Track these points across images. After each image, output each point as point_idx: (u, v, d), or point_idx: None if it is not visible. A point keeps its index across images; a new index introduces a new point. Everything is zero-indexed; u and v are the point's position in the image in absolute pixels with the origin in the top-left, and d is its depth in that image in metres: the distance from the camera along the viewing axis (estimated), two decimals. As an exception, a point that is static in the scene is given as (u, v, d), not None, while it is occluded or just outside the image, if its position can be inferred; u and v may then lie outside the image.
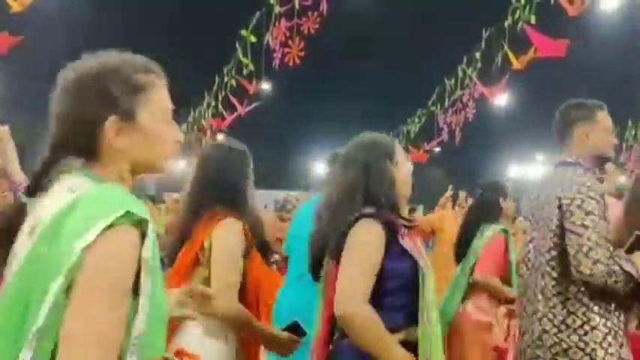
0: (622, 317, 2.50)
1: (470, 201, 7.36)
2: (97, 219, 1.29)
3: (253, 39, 10.55)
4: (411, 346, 2.24)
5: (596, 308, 2.45)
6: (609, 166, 4.71)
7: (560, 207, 2.57)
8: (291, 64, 9.88)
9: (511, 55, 9.97)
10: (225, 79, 12.60)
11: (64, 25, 20.01)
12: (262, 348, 2.83)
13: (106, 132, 1.44)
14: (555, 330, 2.50)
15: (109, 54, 1.53)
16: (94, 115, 1.43)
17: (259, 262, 2.77)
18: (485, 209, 4.64)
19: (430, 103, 16.14)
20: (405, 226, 2.38)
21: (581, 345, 2.42)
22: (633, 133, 20.60)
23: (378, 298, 2.27)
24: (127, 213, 1.31)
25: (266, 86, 12.27)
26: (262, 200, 9.13)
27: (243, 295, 2.64)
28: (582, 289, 2.48)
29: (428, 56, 24.73)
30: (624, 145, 21.03)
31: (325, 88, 28.85)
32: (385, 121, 22.54)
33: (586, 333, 2.42)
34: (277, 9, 9.86)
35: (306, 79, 21.48)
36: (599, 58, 22.39)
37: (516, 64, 9.84)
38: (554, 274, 2.59)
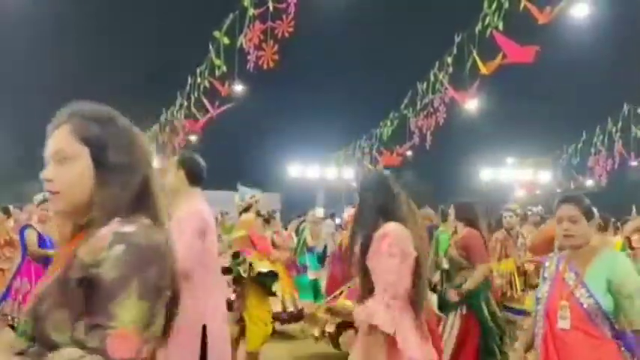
0: None
1: None
2: None
3: (226, 41, 10.53)
4: None
5: None
6: None
7: None
8: (265, 67, 9.86)
9: (478, 61, 10.11)
10: (198, 80, 12.54)
11: (31, 21, 19.72)
12: None
13: None
14: None
15: None
16: None
17: None
18: None
19: (402, 106, 16.26)
20: None
21: None
22: (601, 138, 20.94)
23: None
24: None
25: (239, 88, 12.22)
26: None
27: None
28: None
29: (400, 60, 24.91)
30: (593, 150, 21.36)
31: (298, 91, 28.87)
32: (358, 124, 22.66)
33: None
34: (251, 11, 9.85)
35: (278, 82, 21.49)
36: (568, 64, 22.76)
37: (483, 69, 9.98)
38: None
